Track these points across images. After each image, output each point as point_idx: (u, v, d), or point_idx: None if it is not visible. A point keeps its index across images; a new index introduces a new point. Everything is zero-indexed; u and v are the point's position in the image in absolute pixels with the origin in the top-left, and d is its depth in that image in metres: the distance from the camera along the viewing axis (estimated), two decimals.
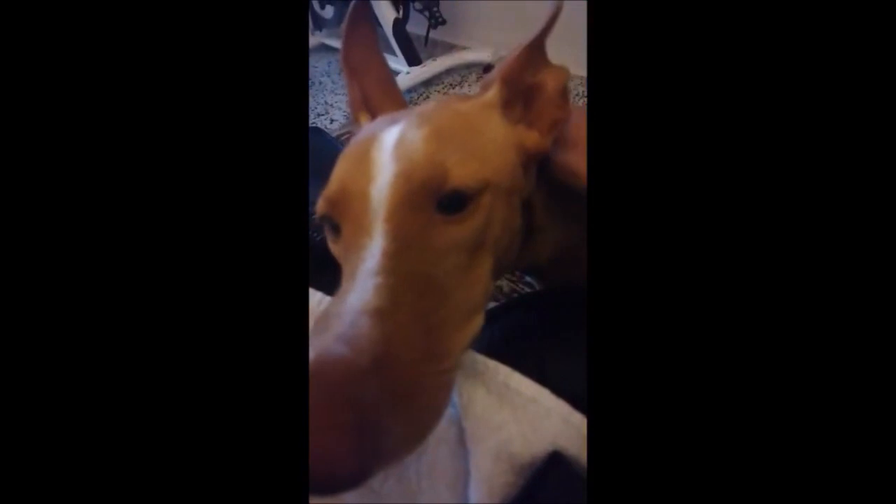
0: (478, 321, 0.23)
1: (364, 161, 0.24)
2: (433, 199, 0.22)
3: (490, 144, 0.25)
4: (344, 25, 0.35)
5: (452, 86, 1.52)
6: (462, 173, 0.22)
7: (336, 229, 0.25)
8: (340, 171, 0.25)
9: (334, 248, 0.26)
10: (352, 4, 0.35)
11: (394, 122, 0.26)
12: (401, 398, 0.17)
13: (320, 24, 1.89)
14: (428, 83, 1.51)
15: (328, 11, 1.77)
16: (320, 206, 0.25)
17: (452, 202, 0.22)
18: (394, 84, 0.37)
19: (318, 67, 1.85)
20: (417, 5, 1.49)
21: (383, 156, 0.23)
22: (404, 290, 0.19)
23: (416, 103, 1.39)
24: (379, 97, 0.34)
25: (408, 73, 1.43)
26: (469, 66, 1.55)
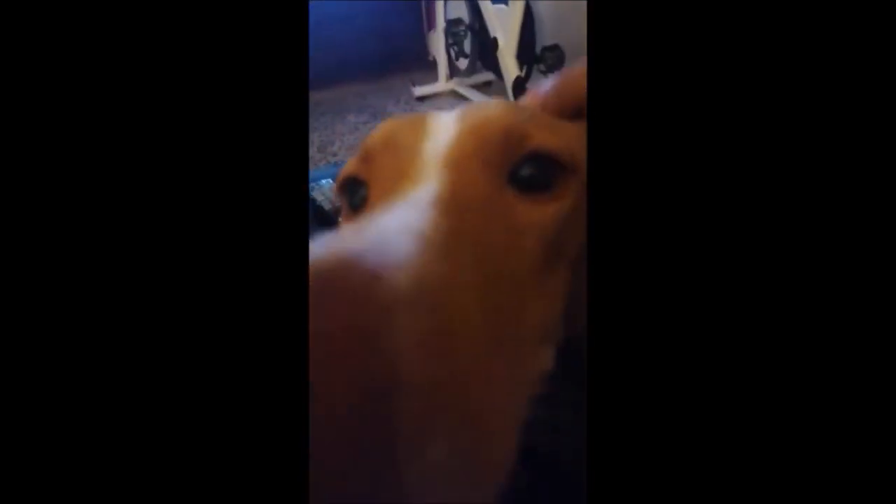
0: (549, 356, 0.16)
1: (418, 123, 0.18)
2: (509, 163, 0.16)
3: (569, 129, 0.19)
4: None
5: None
6: (546, 137, 0.17)
7: (361, 193, 0.18)
8: (384, 127, 0.19)
9: (349, 219, 0.20)
10: None
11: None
12: (451, 382, 0.10)
13: (455, 72, 2.11)
14: None
15: (462, 63, 1.98)
16: (348, 166, 0.19)
17: (533, 174, 0.16)
18: None
19: (444, 109, 2.03)
20: (542, 67, 1.58)
21: (443, 119, 0.18)
22: (462, 246, 0.13)
23: None
24: None
25: None
26: None
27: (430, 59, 2.20)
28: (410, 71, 2.41)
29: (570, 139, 0.18)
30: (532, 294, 0.15)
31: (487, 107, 0.18)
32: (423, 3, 2.44)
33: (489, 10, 1.61)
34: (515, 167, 0.17)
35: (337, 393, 0.09)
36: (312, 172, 0.66)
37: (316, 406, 0.09)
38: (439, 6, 1.96)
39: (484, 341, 0.12)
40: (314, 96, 2.29)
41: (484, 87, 2.03)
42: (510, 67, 1.56)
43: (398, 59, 2.51)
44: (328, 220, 0.55)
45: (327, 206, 0.56)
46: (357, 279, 0.10)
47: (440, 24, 1.99)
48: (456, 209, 0.14)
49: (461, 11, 1.83)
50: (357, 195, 0.19)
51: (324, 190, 0.59)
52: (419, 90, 2.13)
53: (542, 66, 1.63)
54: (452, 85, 2.11)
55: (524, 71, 1.58)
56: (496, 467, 0.11)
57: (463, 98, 2.04)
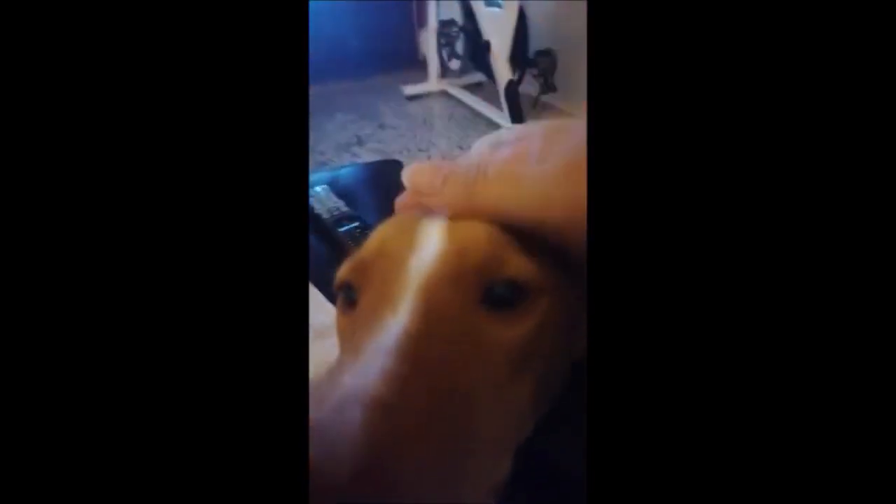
0: (504, 465, 0.17)
1: (409, 231, 0.19)
2: (482, 287, 0.18)
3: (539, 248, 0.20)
4: None
5: None
6: (522, 263, 0.18)
7: (352, 300, 0.20)
8: (380, 234, 0.21)
9: (342, 320, 0.21)
10: None
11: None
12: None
13: (446, 73, 2.09)
14: None
15: (455, 64, 1.96)
16: (343, 271, 0.21)
17: (505, 295, 0.18)
18: None
19: (434, 110, 2.02)
20: (534, 71, 1.58)
21: (434, 228, 0.19)
22: (420, 389, 0.14)
23: None
24: None
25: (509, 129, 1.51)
26: None
27: (420, 57, 2.18)
28: (399, 69, 2.37)
29: (542, 260, 0.19)
30: (486, 405, 0.16)
31: (473, 228, 0.19)
32: (413, 1, 2.41)
33: (483, 13, 1.60)
34: (489, 289, 0.18)
35: None
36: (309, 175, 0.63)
37: None
38: (430, 5, 1.94)
39: (430, 479, 0.13)
40: None
41: (475, 88, 2.02)
42: (503, 71, 1.55)
43: (387, 56, 2.48)
44: (324, 229, 0.53)
45: (325, 215, 0.53)
46: (314, 471, 0.11)
47: (431, 22, 1.97)
48: (422, 340, 0.16)
49: (454, 12, 1.81)
50: (351, 295, 0.21)
51: (320, 197, 0.57)
52: (409, 89, 2.11)
53: (534, 71, 1.63)
54: (443, 85, 2.09)
55: (517, 75, 1.57)
56: None
57: (453, 99, 2.02)
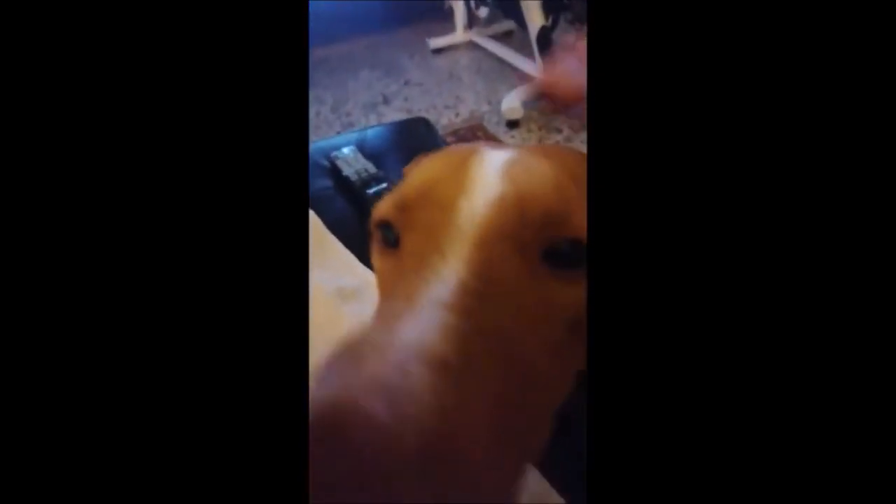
0: (549, 428, 0.16)
1: (460, 169, 0.18)
2: (543, 243, 0.17)
3: None
4: None
5: None
6: (584, 219, 0.16)
7: (393, 239, 0.19)
8: (422, 173, 0.19)
9: (381, 259, 0.20)
10: None
11: (506, 150, 0.20)
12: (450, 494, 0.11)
13: (473, 22, 1.97)
14: None
15: (483, 12, 1.84)
16: (383, 208, 0.19)
17: (565, 254, 0.17)
18: None
19: (461, 62, 1.93)
20: (568, 15, 1.46)
21: (487, 170, 0.18)
22: (481, 348, 0.14)
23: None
24: None
25: None
26: None
27: (446, 7, 2.05)
28: (424, 21, 2.26)
29: None
30: (545, 365, 0.16)
31: (535, 172, 0.17)
32: None
33: None
34: (551, 247, 0.16)
35: None
36: (333, 141, 0.62)
37: None
38: None
39: (493, 445, 0.13)
40: (322, 52, 2.18)
41: (504, 38, 1.90)
42: (535, 16, 1.44)
43: (411, 8, 2.36)
44: (353, 191, 0.52)
45: (353, 177, 0.53)
46: (361, 434, 0.10)
47: None
48: (480, 296, 0.14)
49: None
50: (391, 235, 0.19)
51: (348, 159, 0.56)
52: (435, 42, 2.01)
53: (568, 15, 1.51)
54: (471, 35, 1.98)
55: (550, 20, 1.46)
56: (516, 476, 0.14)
57: (481, 50, 1.92)
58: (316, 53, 2.16)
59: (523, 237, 0.16)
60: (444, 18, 2.16)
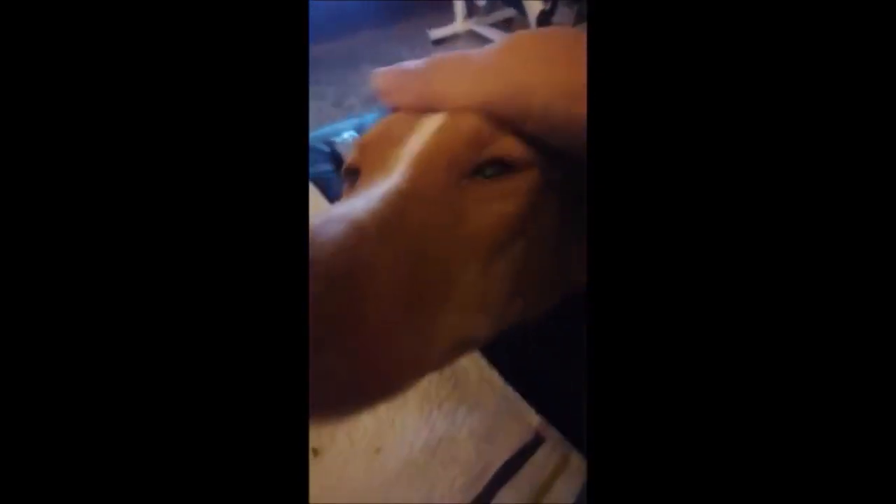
0: (477, 325, 0.19)
1: (413, 118, 0.21)
2: (472, 161, 0.19)
3: (560, 101, 0.20)
4: None
5: None
6: (510, 144, 0.19)
7: (355, 177, 0.22)
8: (383, 123, 0.22)
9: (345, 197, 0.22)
10: None
11: None
12: (355, 325, 0.14)
13: (472, 11, 1.96)
14: None
15: (481, 0, 1.83)
16: (352, 155, 0.22)
17: (492, 172, 0.19)
18: None
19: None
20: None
21: (433, 117, 0.21)
22: (399, 233, 0.16)
23: None
24: None
25: None
26: None
27: None
28: (424, 13, 2.25)
29: (541, 124, 0.19)
30: (473, 268, 0.18)
31: (466, 116, 0.20)
32: None
33: None
34: (477, 167, 0.19)
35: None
36: (333, 127, 0.63)
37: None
38: None
39: (394, 305, 0.15)
40: (323, 48, 2.19)
41: (504, 25, 1.89)
42: (533, 2, 1.43)
43: (410, 2, 2.35)
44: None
45: None
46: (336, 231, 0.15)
47: None
48: (406, 200, 0.17)
49: None
50: (355, 177, 0.22)
51: (347, 143, 0.57)
52: (435, 33, 2.01)
53: None
54: (470, 25, 1.97)
55: (549, 4, 1.45)
56: (386, 383, 0.15)
57: (481, 38, 1.90)
58: (316, 50, 2.17)
59: (454, 156, 0.19)
60: (444, 9, 2.14)
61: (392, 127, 0.21)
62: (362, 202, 0.16)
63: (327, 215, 0.15)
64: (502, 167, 0.19)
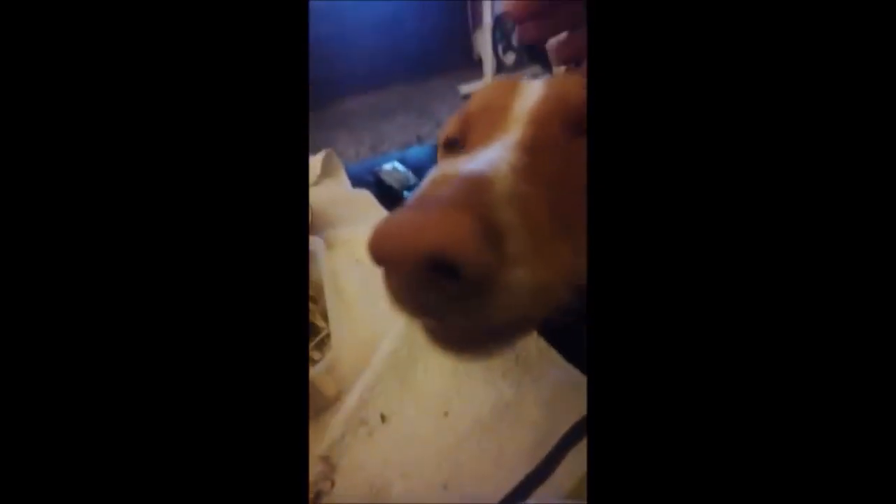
0: (582, 272, 0.21)
1: (511, 87, 0.23)
2: (580, 123, 0.21)
3: None
4: None
5: None
6: None
7: (458, 145, 0.23)
8: (478, 97, 0.24)
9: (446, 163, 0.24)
10: None
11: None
12: (532, 241, 0.15)
13: (501, 68, 2.11)
14: None
15: (509, 58, 1.98)
16: (447, 128, 0.24)
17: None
18: None
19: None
20: None
21: (534, 85, 0.23)
22: (537, 174, 0.17)
23: None
24: None
25: None
26: None
27: (476, 57, 2.21)
28: (455, 70, 2.43)
29: None
30: (582, 223, 0.19)
31: (566, 82, 0.23)
32: (469, 2, 2.46)
33: None
34: (581, 129, 0.21)
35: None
36: (377, 160, 0.69)
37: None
38: (485, 4, 1.97)
39: (551, 232, 0.17)
40: (361, 100, 2.37)
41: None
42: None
43: (443, 59, 2.55)
44: (395, 197, 0.57)
45: (396, 186, 0.58)
46: (476, 181, 0.15)
47: (486, 21, 2.00)
48: (534, 150, 0.19)
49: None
50: (456, 145, 0.24)
51: (389, 172, 0.62)
52: (465, 88, 2.15)
53: None
54: (499, 80, 2.11)
55: (572, 63, 1.55)
56: (559, 297, 0.16)
57: None
58: (354, 102, 2.35)
59: (565, 117, 0.21)
60: (473, 66, 2.31)
61: (492, 97, 0.23)
62: (506, 151, 0.17)
63: (489, 157, 0.16)
64: None
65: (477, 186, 0.14)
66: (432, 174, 0.15)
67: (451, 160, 0.17)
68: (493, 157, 0.17)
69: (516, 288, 0.14)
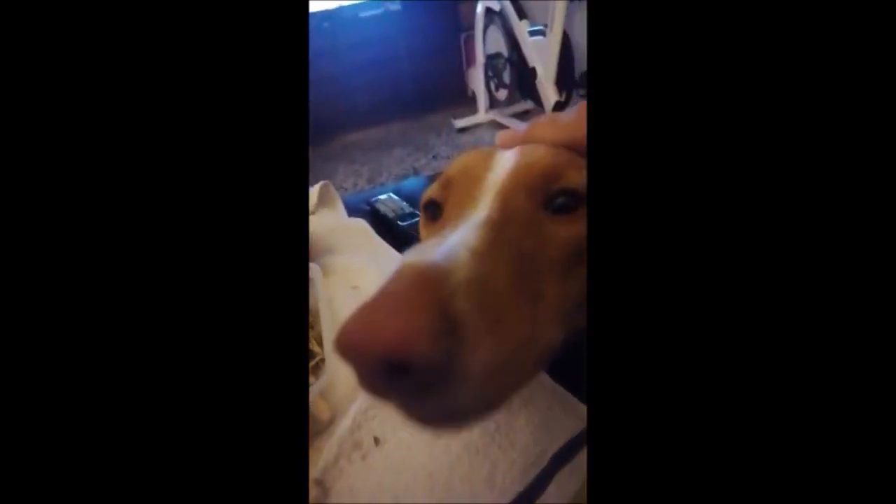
0: (559, 333, 0.21)
1: (487, 158, 0.25)
2: (545, 194, 0.22)
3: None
4: None
5: None
6: (577, 176, 0.23)
7: (438, 211, 0.25)
8: (462, 162, 0.26)
9: (427, 230, 0.26)
10: None
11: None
12: (490, 322, 0.16)
13: (494, 104, 2.19)
14: None
15: (501, 94, 2.06)
16: (429, 191, 0.26)
17: (563, 202, 0.23)
18: None
19: (484, 138, 2.11)
20: (581, 91, 1.62)
21: (507, 154, 0.25)
22: (502, 251, 0.19)
23: None
24: None
25: None
26: None
27: (470, 94, 2.30)
28: (450, 106, 2.52)
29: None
30: (552, 285, 0.21)
31: (538, 149, 0.25)
32: (463, 42, 2.58)
33: (527, 43, 1.69)
34: (550, 197, 0.23)
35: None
36: (372, 192, 0.71)
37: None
38: (479, 43, 2.08)
39: (511, 309, 0.18)
40: (361, 134, 2.44)
41: (523, 116, 2.09)
42: (549, 94, 1.60)
43: (439, 96, 2.65)
44: (389, 226, 0.59)
45: (390, 215, 0.60)
46: (432, 275, 0.16)
47: (479, 59, 2.10)
48: (500, 227, 0.20)
49: (500, 45, 1.92)
50: (436, 210, 0.25)
51: (384, 202, 0.64)
52: (460, 122, 2.23)
53: (581, 91, 1.67)
54: (492, 116, 2.18)
55: (563, 96, 1.62)
56: (526, 370, 0.18)
57: (502, 127, 2.10)
58: (355, 136, 2.42)
59: (531, 189, 0.22)
60: (468, 102, 2.40)
61: (470, 165, 0.25)
62: (471, 231, 0.19)
63: (450, 243, 0.17)
64: (571, 197, 0.23)
65: (433, 282, 0.15)
66: (399, 265, 0.16)
67: (417, 249, 0.18)
68: (456, 242, 0.18)
69: (473, 375, 0.15)
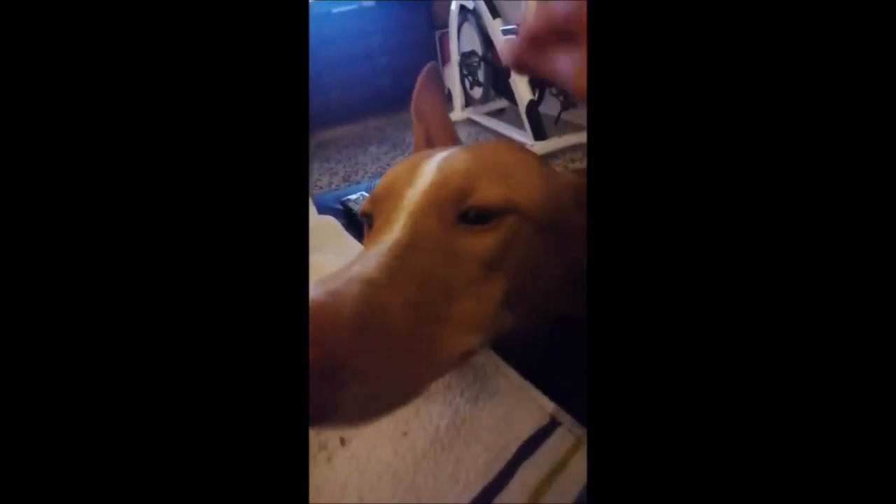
0: (473, 340, 0.23)
1: (412, 170, 0.26)
2: (456, 209, 0.24)
3: (529, 177, 0.26)
4: (418, 81, 0.41)
5: (573, 160, 1.59)
6: (487, 192, 0.24)
7: (370, 223, 0.27)
8: (390, 175, 0.28)
9: (365, 240, 0.28)
10: (425, 68, 0.42)
11: (449, 150, 0.28)
12: (376, 357, 0.18)
13: (469, 101, 2.20)
14: (549, 156, 1.61)
15: (476, 92, 2.07)
16: (364, 204, 0.28)
17: (474, 216, 0.24)
18: (453, 129, 0.42)
19: (460, 136, 2.11)
20: (553, 90, 1.64)
21: (428, 167, 0.26)
22: (404, 277, 0.20)
23: None
24: (440, 138, 0.40)
25: (532, 146, 1.56)
26: None
27: (446, 91, 2.30)
28: None
29: (513, 188, 0.25)
30: (463, 299, 0.22)
31: (455, 165, 0.26)
32: (438, 40, 2.58)
33: (500, 41, 1.69)
34: (462, 212, 0.24)
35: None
36: (346, 190, 0.70)
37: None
38: (453, 41, 2.08)
39: (408, 336, 0.19)
40: (336, 132, 2.41)
41: (498, 114, 2.11)
42: (523, 93, 1.62)
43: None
44: (360, 225, 0.59)
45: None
46: (323, 313, 0.18)
47: (454, 57, 2.10)
48: (408, 250, 0.22)
49: (474, 44, 1.93)
50: (370, 222, 0.28)
51: (355, 200, 0.64)
52: None
53: (553, 90, 1.69)
54: (468, 113, 2.19)
55: (536, 94, 1.64)
56: (405, 394, 0.20)
57: (478, 125, 2.11)
58: (329, 133, 2.38)
59: (442, 207, 0.24)
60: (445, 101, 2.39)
61: (394, 180, 0.26)
62: (374, 259, 0.21)
63: (348, 276, 0.19)
64: (482, 213, 0.24)
65: (324, 320, 0.17)
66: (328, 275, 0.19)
67: (326, 279, 0.20)
68: (353, 276, 0.19)
69: (359, 403, 0.18)
